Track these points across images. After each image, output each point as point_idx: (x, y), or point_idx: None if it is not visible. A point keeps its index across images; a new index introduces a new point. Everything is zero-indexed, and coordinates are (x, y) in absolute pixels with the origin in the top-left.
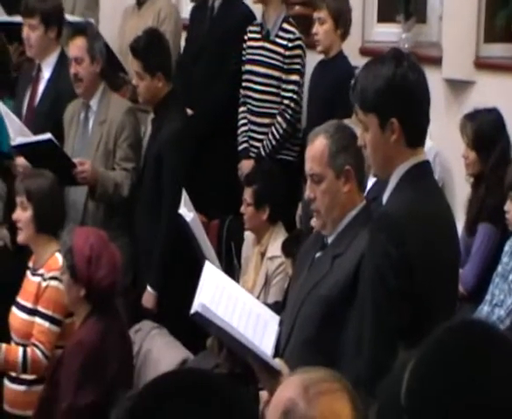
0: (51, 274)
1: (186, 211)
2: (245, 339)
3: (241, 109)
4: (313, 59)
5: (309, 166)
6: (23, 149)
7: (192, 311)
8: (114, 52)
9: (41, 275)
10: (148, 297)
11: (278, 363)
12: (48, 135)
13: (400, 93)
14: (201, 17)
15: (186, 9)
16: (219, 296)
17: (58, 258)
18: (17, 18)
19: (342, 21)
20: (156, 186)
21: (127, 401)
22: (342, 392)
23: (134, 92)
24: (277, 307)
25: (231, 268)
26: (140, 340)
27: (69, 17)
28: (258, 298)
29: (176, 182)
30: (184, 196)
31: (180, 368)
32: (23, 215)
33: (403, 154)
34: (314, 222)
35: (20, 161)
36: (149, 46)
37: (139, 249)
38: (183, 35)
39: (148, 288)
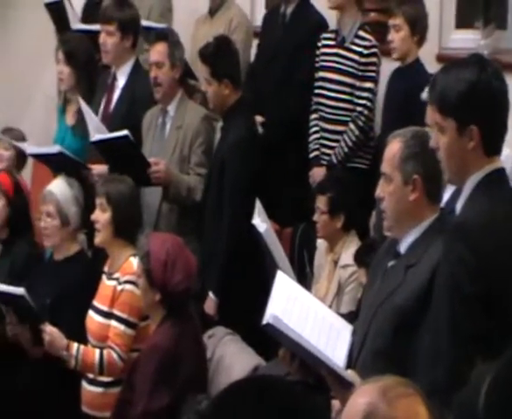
0: (126, 278)
1: (260, 222)
2: (317, 351)
3: (313, 116)
4: (388, 67)
5: (383, 164)
6: (100, 146)
7: (264, 322)
8: (187, 60)
9: (116, 279)
10: (210, 303)
11: (350, 375)
12: (125, 132)
13: (483, 100)
14: (273, 25)
15: (259, 16)
16: (291, 306)
17: (133, 262)
18: (95, 27)
19: (418, 27)
20: (220, 192)
21: (198, 405)
22: (416, 396)
23: (204, 100)
24: (351, 317)
25: (304, 276)
26: (213, 346)
27: (144, 22)
28: (330, 306)
29: (238, 189)
30: (258, 206)
31: (252, 375)
32: (101, 216)
33: (479, 162)
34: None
35: (97, 168)
36: (217, 52)
37: (205, 253)
38: (255, 43)
39: (210, 294)
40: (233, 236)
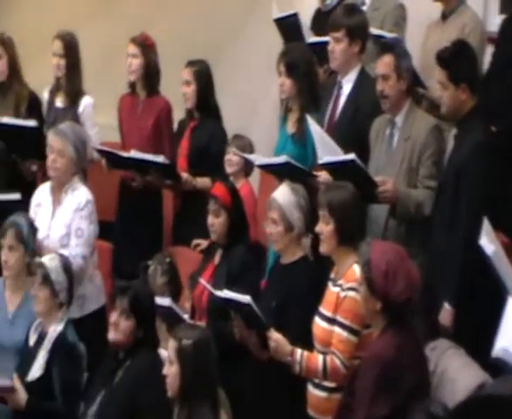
0: (349, 285)
1: (487, 242)
2: None
3: None
4: None
5: None
6: (328, 167)
7: (493, 355)
8: (415, 68)
9: (340, 285)
10: (445, 314)
11: None
12: (352, 156)
13: None
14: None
15: (492, 21)
16: None
17: (356, 270)
18: (326, 38)
19: None
20: (455, 204)
21: (429, 407)
22: None
23: (430, 107)
24: None
25: None
26: (435, 359)
27: (375, 31)
28: None
29: (476, 197)
30: (486, 225)
31: (486, 395)
32: (325, 228)
33: None
34: None
35: (322, 175)
36: (456, 55)
37: (435, 264)
38: (488, 49)
39: (446, 305)
40: (472, 242)
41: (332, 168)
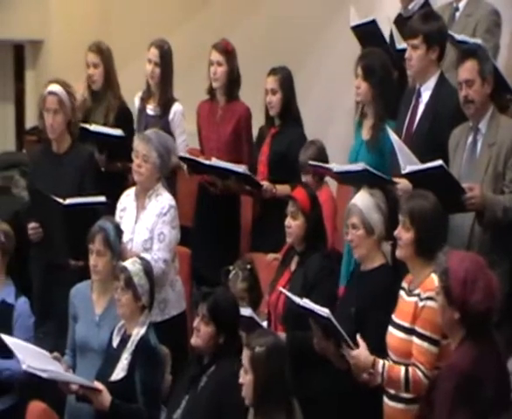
0: (427, 294)
1: None
2: None
3: None
4: None
5: None
6: (413, 176)
7: None
8: (502, 73)
9: (417, 295)
10: None
11: None
12: (439, 162)
13: None
14: None
15: None
16: None
17: (434, 279)
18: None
19: None
20: None
21: None
22: None
23: None
24: None
25: None
26: None
27: (457, 36)
28: None
29: None
30: None
31: None
32: (404, 235)
33: None
34: None
35: (401, 183)
36: None
37: None
38: None
39: None
40: None
41: (415, 176)
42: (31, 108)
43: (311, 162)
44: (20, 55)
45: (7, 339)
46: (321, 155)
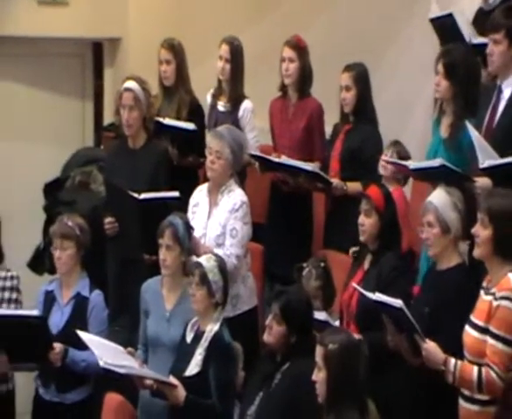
0: (502, 294)
1: None
2: None
3: None
4: None
5: None
6: (490, 171)
7: None
8: None
9: (493, 294)
10: None
11: None
12: None
13: None
14: None
15: None
16: None
17: (511, 278)
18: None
19: None
20: None
21: None
22: None
23: None
24: None
25: None
26: None
27: None
28: None
29: None
30: None
31: None
32: (482, 232)
33: None
34: None
35: (481, 180)
36: None
37: None
38: None
39: None
40: None
41: (494, 172)
42: (109, 105)
43: (387, 159)
44: (99, 53)
45: (83, 335)
46: (404, 157)
